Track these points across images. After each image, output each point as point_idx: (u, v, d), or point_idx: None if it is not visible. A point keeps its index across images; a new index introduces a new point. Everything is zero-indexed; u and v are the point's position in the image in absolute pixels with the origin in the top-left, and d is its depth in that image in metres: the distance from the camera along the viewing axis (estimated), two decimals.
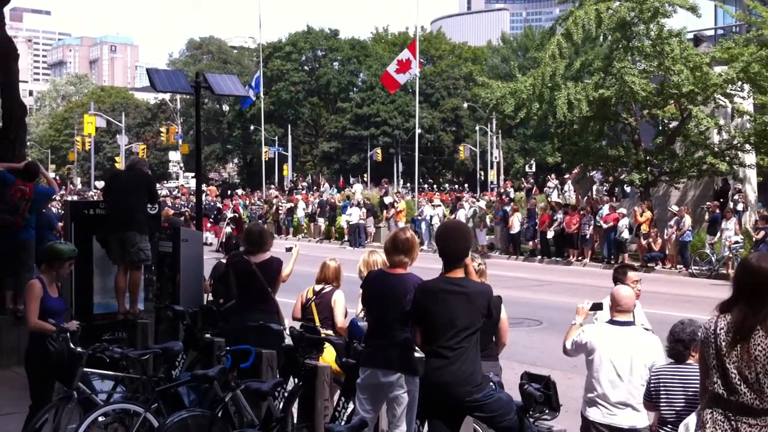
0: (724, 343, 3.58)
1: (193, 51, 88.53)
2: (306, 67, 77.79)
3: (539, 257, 25.30)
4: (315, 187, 54.83)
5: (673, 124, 24.51)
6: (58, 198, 26.60)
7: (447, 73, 72.68)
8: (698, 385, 4.00)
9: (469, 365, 4.98)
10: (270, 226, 31.93)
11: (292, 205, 35.58)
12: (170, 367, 6.93)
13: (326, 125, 76.90)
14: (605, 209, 23.62)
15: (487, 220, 27.35)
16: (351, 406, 5.99)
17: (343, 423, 5.91)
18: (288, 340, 6.77)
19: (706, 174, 23.86)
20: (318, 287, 7.56)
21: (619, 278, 6.74)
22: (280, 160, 67.16)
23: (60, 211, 19.93)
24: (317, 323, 7.24)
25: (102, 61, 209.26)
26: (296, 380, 6.37)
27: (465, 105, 66.90)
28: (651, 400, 5.22)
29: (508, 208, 26.69)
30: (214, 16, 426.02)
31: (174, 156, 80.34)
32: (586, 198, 27.68)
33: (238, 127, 77.20)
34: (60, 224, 11.83)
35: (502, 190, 34.78)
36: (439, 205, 30.23)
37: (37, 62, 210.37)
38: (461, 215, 27.33)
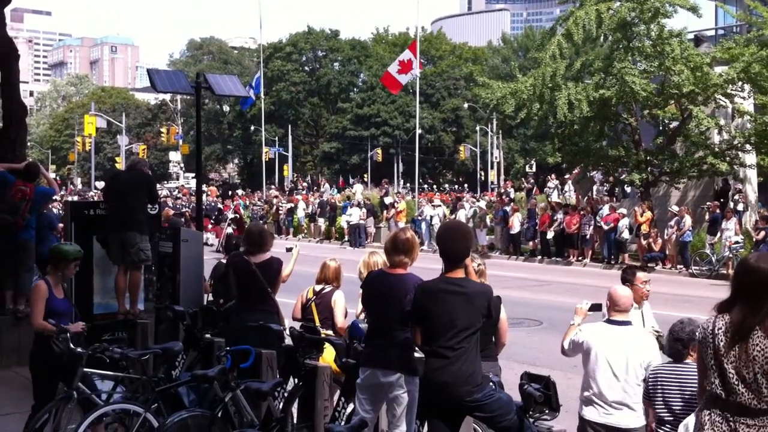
0: (722, 343, 3.58)
1: (193, 51, 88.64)
2: (306, 68, 77.83)
3: (539, 257, 25.30)
4: (315, 188, 54.82)
5: (674, 124, 24.51)
6: (58, 198, 26.60)
7: (447, 74, 72.67)
8: (695, 385, 4.00)
9: (469, 365, 4.98)
10: (270, 226, 31.93)
11: (293, 205, 35.59)
12: (170, 367, 6.93)
13: (326, 125, 76.92)
14: (605, 209, 23.63)
15: (488, 221, 27.36)
16: (351, 407, 5.99)
17: (342, 423, 5.92)
18: (288, 341, 6.77)
19: (707, 174, 23.86)
20: (318, 287, 7.56)
21: (628, 279, 6.69)
22: (280, 160, 67.18)
23: (60, 211, 19.93)
24: (317, 323, 7.23)
25: (102, 61, 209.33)
26: (296, 380, 6.37)
27: (465, 105, 66.92)
28: (649, 398, 5.23)
29: (508, 209, 26.70)
30: (214, 16, 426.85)
31: (174, 156, 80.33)
32: (586, 198, 27.69)
33: (238, 127, 77.25)
34: (60, 225, 11.83)
35: (503, 191, 34.78)
36: (440, 206, 30.23)
37: (37, 63, 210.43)
38: (461, 215, 27.33)
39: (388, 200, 32.29)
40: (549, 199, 30.03)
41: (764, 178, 26.07)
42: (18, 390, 8.11)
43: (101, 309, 8.90)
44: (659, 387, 5.14)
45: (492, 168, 64.13)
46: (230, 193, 46.43)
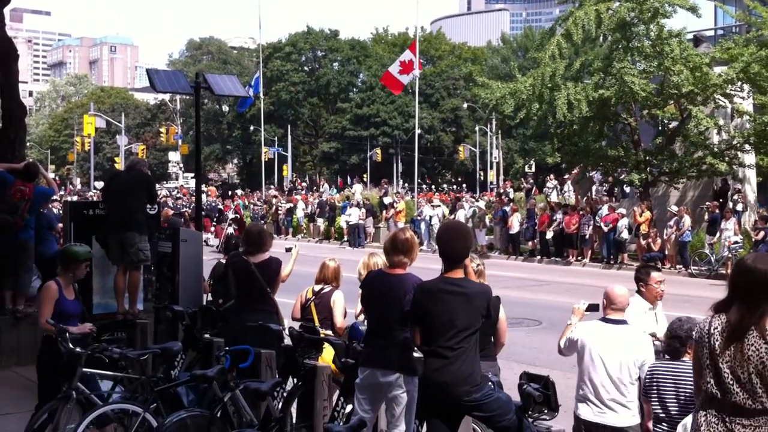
0: (717, 343, 3.59)
1: (192, 51, 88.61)
2: (306, 68, 77.83)
3: (538, 257, 25.31)
4: (314, 188, 54.82)
5: (673, 124, 24.52)
6: (57, 198, 26.58)
7: (447, 74, 72.69)
8: (691, 383, 4.01)
9: (468, 365, 4.99)
10: (269, 226, 31.92)
11: (292, 205, 35.59)
12: (169, 367, 6.93)
13: (326, 125, 76.93)
14: (604, 209, 23.64)
15: (487, 221, 27.37)
16: (350, 406, 5.99)
17: (341, 423, 5.91)
18: (287, 340, 6.78)
19: (706, 174, 23.87)
20: (317, 287, 7.56)
21: (642, 278, 6.58)
22: (279, 160, 67.18)
23: (60, 211, 19.92)
24: (316, 323, 7.24)
25: (102, 61, 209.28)
26: (295, 380, 6.38)
27: (465, 105, 66.94)
28: (646, 396, 5.24)
29: (507, 209, 26.70)
30: (214, 16, 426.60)
31: (174, 156, 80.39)
32: (585, 198, 27.68)
33: (237, 127, 77.24)
34: (60, 225, 11.83)
35: (502, 191, 34.78)
36: (439, 206, 30.22)
37: (36, 63, 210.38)
38: (461, 215, 27.34)
39: (387, 200, 32.28)
40: (548, 199, 30.01)
41: (763, 178, 26.08)
42: (18, 390, 8.12)
43: (100, 309, 8.91)
44: (655, 384, 5.15)
45: (491, 168, 64.15)
46: (230, 193, 46.44)
